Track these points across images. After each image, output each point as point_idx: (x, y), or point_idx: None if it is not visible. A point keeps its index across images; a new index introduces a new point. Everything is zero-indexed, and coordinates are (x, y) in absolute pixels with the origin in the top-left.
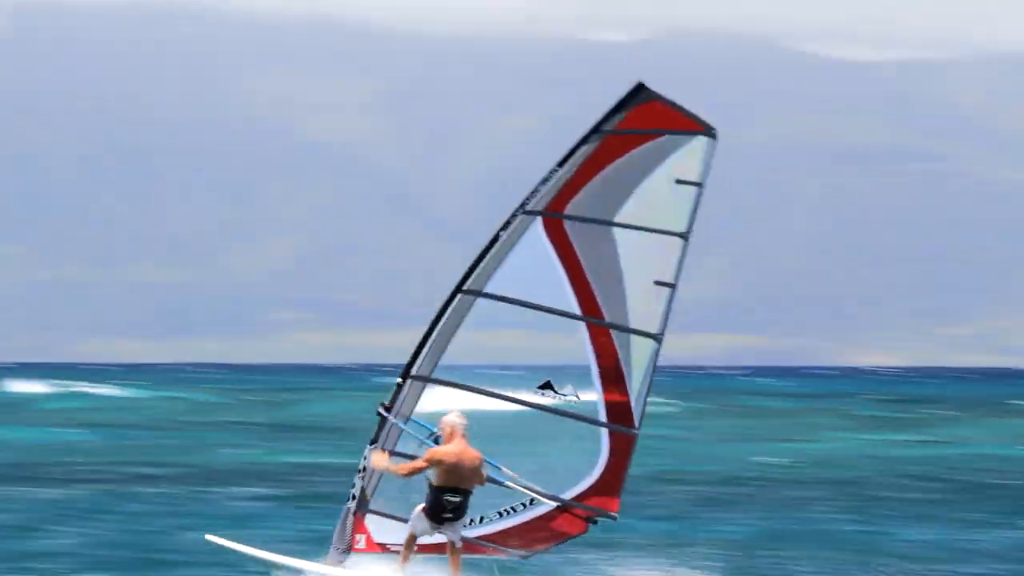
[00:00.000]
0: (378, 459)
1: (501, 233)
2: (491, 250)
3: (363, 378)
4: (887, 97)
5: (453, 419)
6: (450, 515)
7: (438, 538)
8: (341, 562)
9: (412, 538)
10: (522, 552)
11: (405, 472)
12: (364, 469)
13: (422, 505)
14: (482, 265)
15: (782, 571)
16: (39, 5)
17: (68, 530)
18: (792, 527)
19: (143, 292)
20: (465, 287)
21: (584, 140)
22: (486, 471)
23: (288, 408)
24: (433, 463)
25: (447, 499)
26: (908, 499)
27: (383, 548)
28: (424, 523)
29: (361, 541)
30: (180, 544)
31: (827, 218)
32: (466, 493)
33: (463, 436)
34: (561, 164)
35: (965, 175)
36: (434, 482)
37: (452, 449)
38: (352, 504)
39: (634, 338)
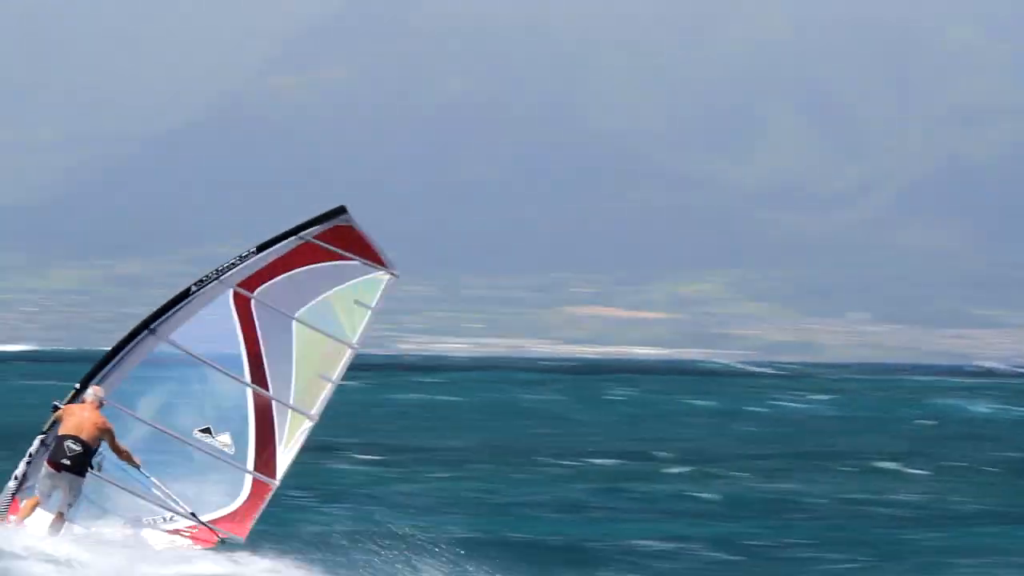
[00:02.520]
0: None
1: (193, 288)
2: (183, 301)
3: None
4: None
5: (90, 391)
6: (68, 462)
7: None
8: None
9: (35, 502)
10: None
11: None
12: (30, 456)
13: (46, 460)
14: (172, 312)
15: None
16: None
17: None
18: None
19: None
20: (153, 326)
21: (284, 236)
22: (134, 458)
23: None
24: (61, 415)
25: (67, 445)
26: None
27: None
28: (46, 479)
29: (13, 520)
30: None
31: None
32: (86, 447)
33: (94, 405)
34: (260, 249)
35: None
36: (59, 431)
37: (77, 406)
38: (12, 484)
39: (292, 412)
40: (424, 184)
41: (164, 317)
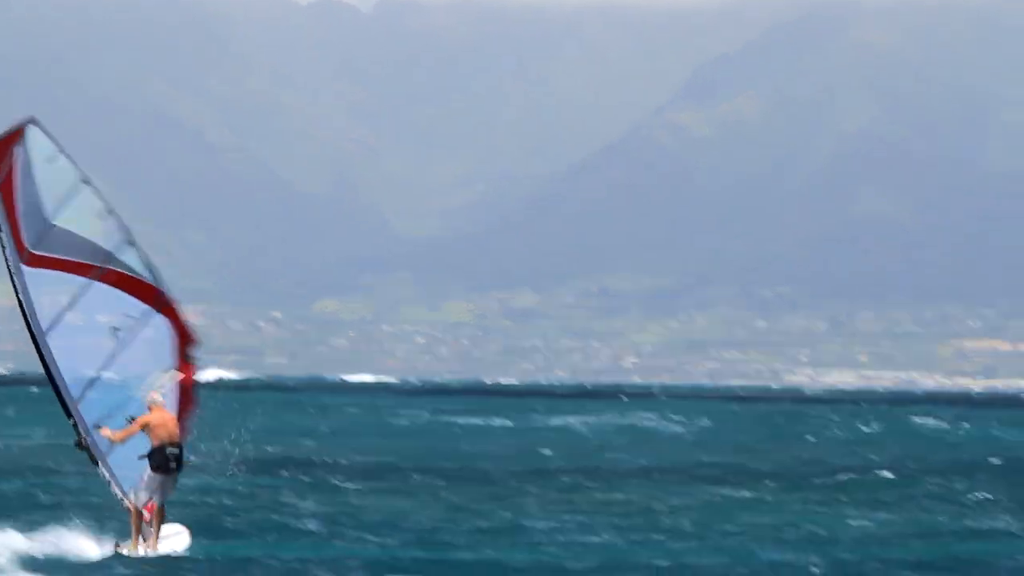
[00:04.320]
0: (106, 433)
1: (20, 297)
2: (24, 309)
3: None
4: None
5: (151, 395)
6: (175, 464)
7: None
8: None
9: (139, 514)
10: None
11: (120, 438)
12: (110, 482)
13: (148, 472)
14: (30, 315)
15: None
16: None
17: None
18: None
19: None
20: (36, 337)
21: None
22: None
23: None
24: (143, 426)
25: (169, 451)
26: None
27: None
28: (154, 482)
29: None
30: None
31: None
32: (179, 445)
33: (161, 405)
34: None
35: None
36: (153, 444)
37: (154, 414)
38: (130, 505)
39: (125, 252)
40: (818, 219)
41: (31, 325)
